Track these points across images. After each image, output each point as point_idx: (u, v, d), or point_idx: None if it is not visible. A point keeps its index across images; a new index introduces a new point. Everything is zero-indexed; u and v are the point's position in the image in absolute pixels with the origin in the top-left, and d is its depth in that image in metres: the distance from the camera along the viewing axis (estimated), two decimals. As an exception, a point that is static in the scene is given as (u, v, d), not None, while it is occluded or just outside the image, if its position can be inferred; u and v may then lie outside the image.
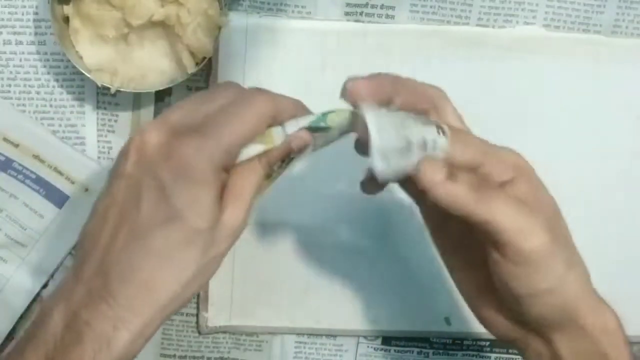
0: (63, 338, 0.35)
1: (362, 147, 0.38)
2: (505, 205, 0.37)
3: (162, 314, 0.36)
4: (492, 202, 0.36)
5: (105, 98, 0.54)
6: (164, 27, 0.51)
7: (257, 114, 0.37)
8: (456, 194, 0.36)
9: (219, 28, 0.50)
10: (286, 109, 0.39)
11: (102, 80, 0.51)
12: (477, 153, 0.38)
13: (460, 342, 0.59)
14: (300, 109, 0.40)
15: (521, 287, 0.38)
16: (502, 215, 0.36)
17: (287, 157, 0.39)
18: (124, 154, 0.37)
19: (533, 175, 0.40)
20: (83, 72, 0.50)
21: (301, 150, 0.39)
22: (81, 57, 0.51)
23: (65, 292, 0.36)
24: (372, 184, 0.40)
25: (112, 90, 0.51)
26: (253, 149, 0.38)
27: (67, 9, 0.50)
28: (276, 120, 0.38)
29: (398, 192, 0.55)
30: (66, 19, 0.51)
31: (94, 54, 0.51)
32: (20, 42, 0.53)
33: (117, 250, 0.36)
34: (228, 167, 0.37)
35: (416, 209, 0.43)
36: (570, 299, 0.39)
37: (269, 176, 0.40)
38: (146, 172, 0.36)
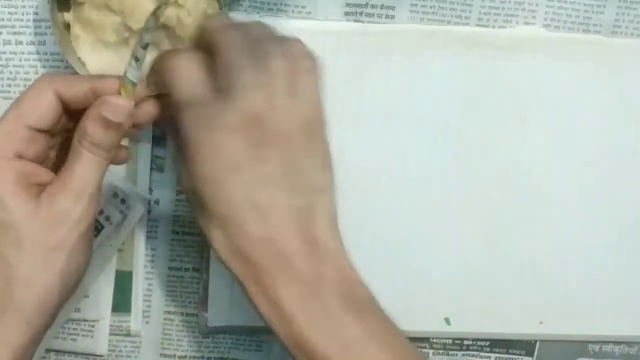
0: None
1: None
2: None
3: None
4: None
5: (105, 98, 0.54)
6: (164, 29, 0.51)
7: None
8: None
9: (219, 28, 0.50)
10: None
11: (104, 83, 0.51)
12: None
13: (460, 342, 0.59)
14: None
15: None
16: None
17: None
18: None
19: None
20: (85, 76, 0.50)
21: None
22: (84, 64, 0.51)
23: None
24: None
25: (114, 92, 0.51)
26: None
27: (68, 16, 0.50)
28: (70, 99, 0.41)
29: (397, 195, 0.56)
30: (67, 26, 0.51)
31: (96, 59, 0.51)
32: (20, 42, 0.53)
33: None
34: (24, 154, 0.40)
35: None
36: None
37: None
38: None
